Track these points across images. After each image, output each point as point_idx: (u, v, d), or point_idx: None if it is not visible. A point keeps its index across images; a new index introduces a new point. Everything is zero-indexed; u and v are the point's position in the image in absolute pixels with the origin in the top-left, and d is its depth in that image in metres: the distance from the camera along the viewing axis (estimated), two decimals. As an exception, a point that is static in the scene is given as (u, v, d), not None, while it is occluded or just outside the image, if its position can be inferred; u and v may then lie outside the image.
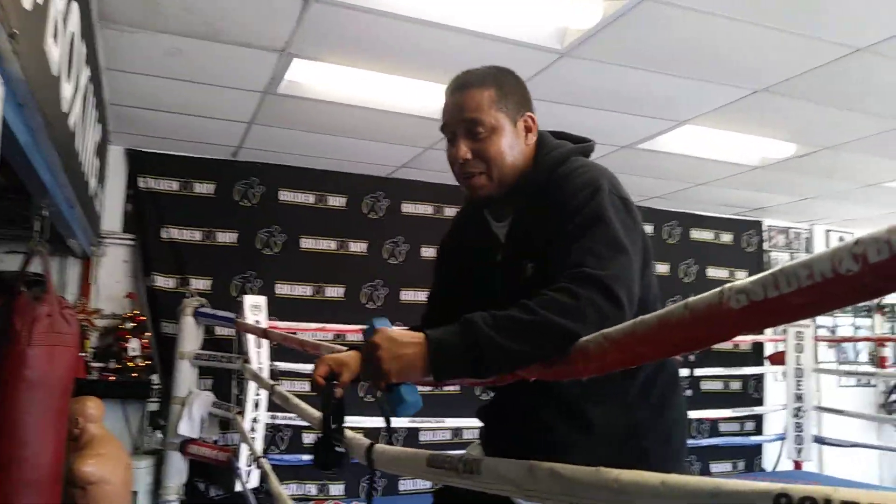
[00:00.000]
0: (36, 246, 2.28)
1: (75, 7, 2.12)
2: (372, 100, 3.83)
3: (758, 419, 6.34)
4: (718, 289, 0.69)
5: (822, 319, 6.78)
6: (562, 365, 1.02)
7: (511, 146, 1.34)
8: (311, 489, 4.91)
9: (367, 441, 1.51)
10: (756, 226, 6.73)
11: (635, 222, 1.26)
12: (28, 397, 2.00)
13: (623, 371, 1.31)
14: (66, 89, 2.14)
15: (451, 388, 4.59)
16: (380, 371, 1.07)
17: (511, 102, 1.35)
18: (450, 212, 5.57)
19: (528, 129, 1.37)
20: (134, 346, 4.47)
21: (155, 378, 4.60)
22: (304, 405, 2.42)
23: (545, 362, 1.05)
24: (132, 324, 4.55)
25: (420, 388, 1.15)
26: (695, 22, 2.80)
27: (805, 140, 4.33)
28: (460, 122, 1.33)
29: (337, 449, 1.22)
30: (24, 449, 2.01)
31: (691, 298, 0.73)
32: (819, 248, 6.99)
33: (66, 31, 1.99)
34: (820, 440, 5.66)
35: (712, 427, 6.14)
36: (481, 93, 1.32)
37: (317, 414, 2.26)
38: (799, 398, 5.58)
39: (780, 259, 6.81)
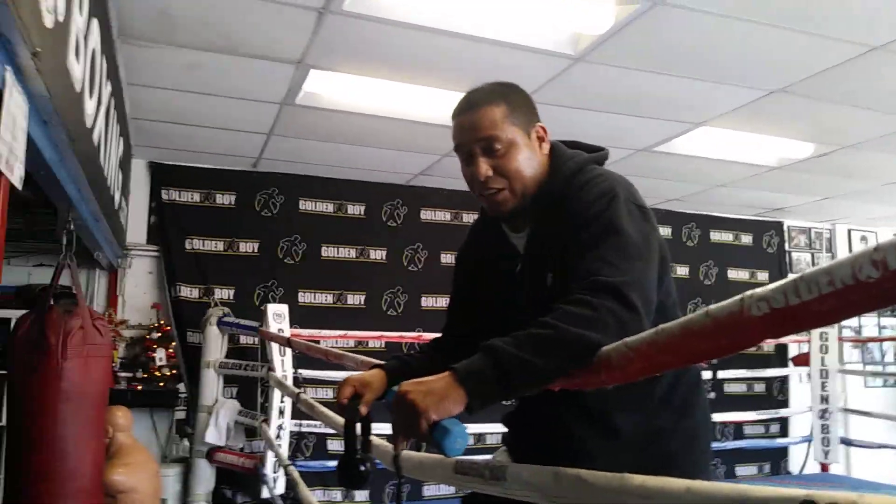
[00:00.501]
0: (64, 260, 2.31)
1: (95, 24, 2.15)
2: (388, 109, 3.86)
3: (783, 421, 6.27)
4: (739, 296, 0.69)
5: (846, 320, 6.67)
6: (586, 375, 1.02)
7: (529, 158, 1.35)
8: (336, 495, 4.94)
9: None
10: (777, 226, 6.67)
11: (652, 229, 1.27)
12: (65, 409, 2.03)
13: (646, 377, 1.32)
14: (90, 105, 2.17)
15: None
16: (416, 411, 1.03)
17: (521, 115, 1.36)
18: (468, 218, 5.58)
19: (540, 140, 1.39)
20: (160, 355, 4.54)
21: (181, 387, 4.67)
22: (329, 412, 2.44)
23: (569, 375, 1.05)
24: (158, 334, 4.63)
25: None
26: (707, 24, 2.80)
27: (823, 140, 4.29)
28: (476, 141, 1.33)
29: (361, 468, 1.21)
30: (65, 461, 2.05)
31: (713, 306, 0.73)
32: (841, 247, 6.91)
33: (87, 47, 2.02)
34: (847, 442, 5.59)
35: (737, 430, 6.08)
36: (493, 110, 1.33)
37: (341, 420, 2.28)
38: (824, 400, 5.51)
39: (802, 259, 6.74)
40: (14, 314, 2.67)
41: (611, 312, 1.06)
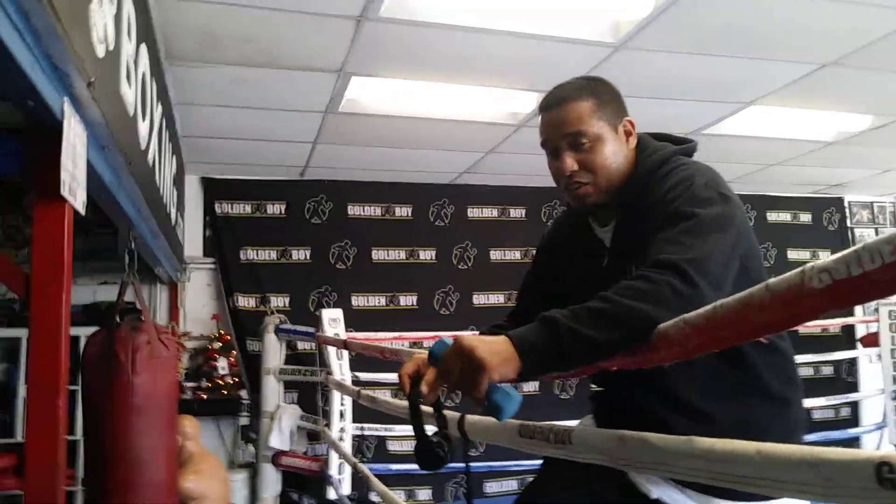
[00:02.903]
0: (128, 278, 2.39)
1: (144, 49, 2.22)
2: (430, 110, 3.88)
3: (854, 405, 6.06)
4: (800, 268, 0.68)
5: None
6: (644, 352, 1.01)
7: (615, 153, 1.35)
8: (400, 494, 4.98)
9: (457, 414, 1.51)
10: (837, 203, 6.44)
11: (731, 215, 1.23)
12: (139, 422, 2.09)
13: (729, 364, 1.27)
14: (143, 128, 2.25)
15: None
16: (482, 367, 1.00)
17: (609, 110, 1.36)
18: (515, 213, 5.58)
19: (627, 134, 1.39)
20: (222, 364, 4.67)
21: (244, 394, 4.79)
22: (392, 400, 2.46)
23: (627, 350, 1.03)
24: (219, 344, 4.76)
25: None
26: (752, -1, 2.73)
27: (881, 110, 4.14)
28: (563, 136, 1.35)
29: (438, 451, 1.14)
30: (143, 472, 2.11)
31: (772, 279, 0.72)
32: (907, 221, 6.64)
33: (137, 72, 2.09)
34: (922, 426, 5.35)
35: (806, 415, 5.89)
36: (580, 105, 1.34)
37: (403, 404, 2.27)
38: (897, 380, 5.29)
39: (866, 235, 6.50)
40: (82, 331, 2.77)
41: (669, 286, 1.05)
